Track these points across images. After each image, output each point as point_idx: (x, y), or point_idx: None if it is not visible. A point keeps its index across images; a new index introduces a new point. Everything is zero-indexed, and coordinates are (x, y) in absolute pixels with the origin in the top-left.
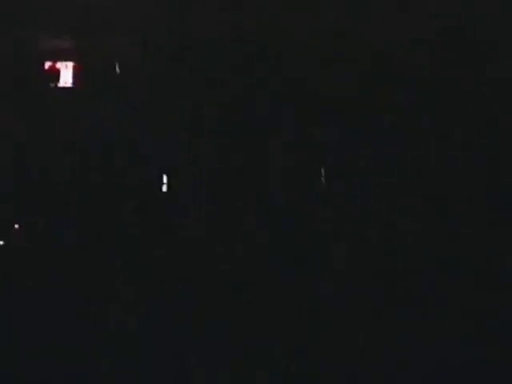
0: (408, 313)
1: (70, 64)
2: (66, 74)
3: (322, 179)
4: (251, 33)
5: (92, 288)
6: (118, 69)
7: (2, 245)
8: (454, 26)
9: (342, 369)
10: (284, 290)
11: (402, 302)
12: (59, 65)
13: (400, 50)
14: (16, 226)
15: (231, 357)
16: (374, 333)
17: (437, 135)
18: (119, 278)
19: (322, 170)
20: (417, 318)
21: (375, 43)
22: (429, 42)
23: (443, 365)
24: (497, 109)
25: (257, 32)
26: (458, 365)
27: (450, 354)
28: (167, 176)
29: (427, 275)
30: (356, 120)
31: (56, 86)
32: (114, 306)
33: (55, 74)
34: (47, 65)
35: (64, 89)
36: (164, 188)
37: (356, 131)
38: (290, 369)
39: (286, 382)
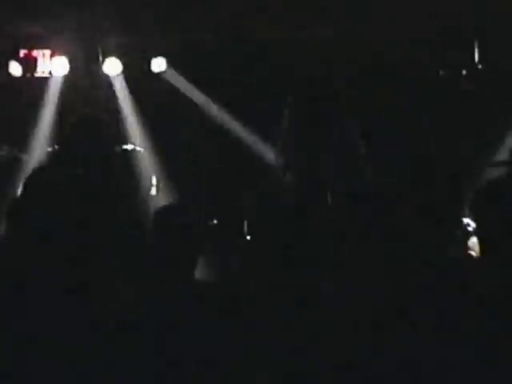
0: (408, 313)
1: (48, 52)
2: (44, 63)
3: (329, 200)
4: (251, 33)
5: (91, 288)
6: (101, 57)
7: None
8: (453, 25)
9: (342, 369)
10: (284, 289)
11: (402, 301)
12: (36, 53)
13: (400, 49)
14: None
15: (231, 357)
16: (374, 333)
17: (437, 135)
18: (119, 278)
19: (329, 197)
20: (417, 318)
21: (375, 43)
22: (429, 42)
23: (443, 365)
24: (496, 109)
25: (257, 32)
26: (458, 365)
27: (450, 354)
28: (156, 178)
29: (427, 275)
30: (356, 120)
31: (32, 75)
32: (113, 306)
33: (31, 63)
34: (22, 53)
35: (41, 79)
36: (153, 191)
37: (356, 131)
38: (290, 369)
39: (286, 381)
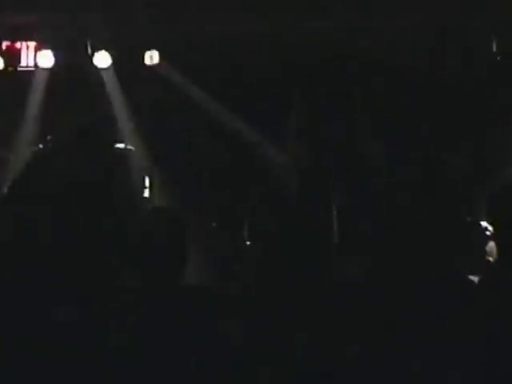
0: (408, 313)
1: (32, 44)
2: (28, 56)
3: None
4: (251, 33)
5: (91, 288)
6: (90, 50)
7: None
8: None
9: (342, 369)
10: (284, 289)
11: (402, 302)
12: (19, 45)
13: (400, 51)
14: None
15: (232, 357)
16: (374, 333)
17: (437, 136)
18: (119, 278)
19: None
20: (417, 318)
21: (375, 44)
22: (429, 43)
23: (444, 365)
24: (497, 109)
25: (254, 26)
26: (458, 365)
27: (451, 354)
28: (149, 179)
29: (427, 275)
30: (356, 119)
31: (16, 69)
32: (113, 306)
33: (15, 55)
34: (5, 44)
35: (25, 73)
36: (146, 193)
37: (356, 131)
38: (290, 369)
39: (286, 381)
